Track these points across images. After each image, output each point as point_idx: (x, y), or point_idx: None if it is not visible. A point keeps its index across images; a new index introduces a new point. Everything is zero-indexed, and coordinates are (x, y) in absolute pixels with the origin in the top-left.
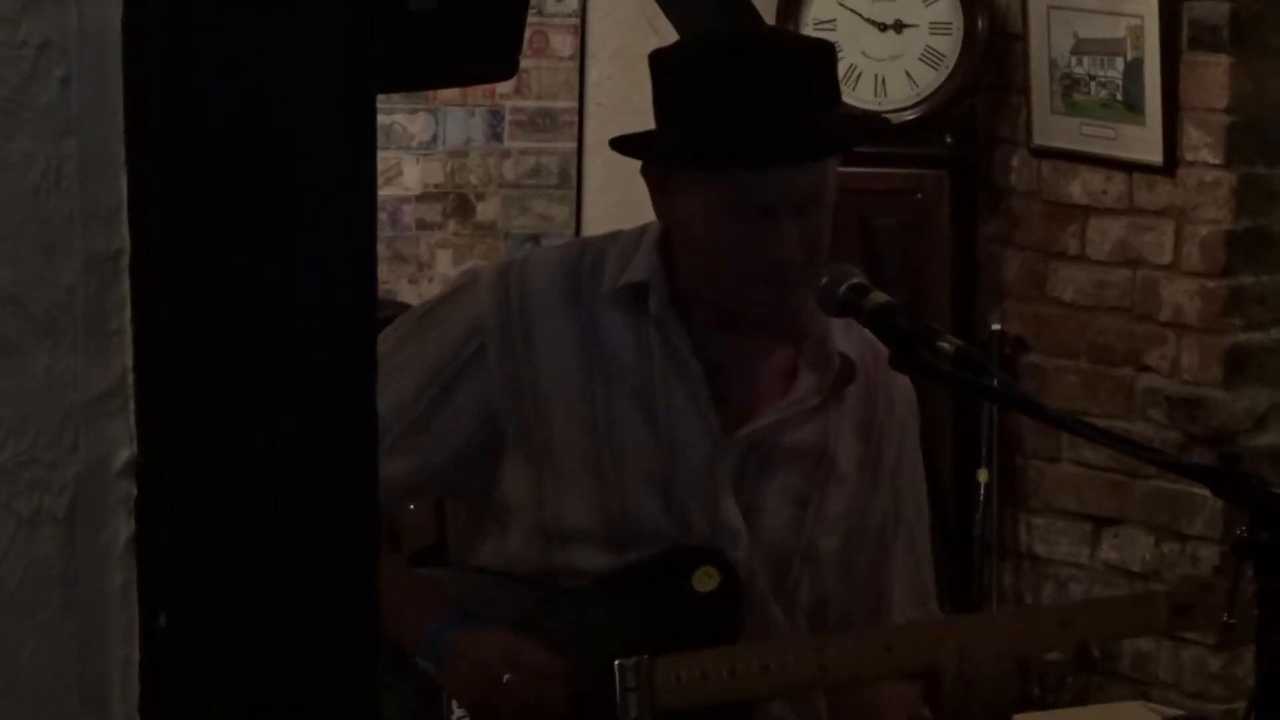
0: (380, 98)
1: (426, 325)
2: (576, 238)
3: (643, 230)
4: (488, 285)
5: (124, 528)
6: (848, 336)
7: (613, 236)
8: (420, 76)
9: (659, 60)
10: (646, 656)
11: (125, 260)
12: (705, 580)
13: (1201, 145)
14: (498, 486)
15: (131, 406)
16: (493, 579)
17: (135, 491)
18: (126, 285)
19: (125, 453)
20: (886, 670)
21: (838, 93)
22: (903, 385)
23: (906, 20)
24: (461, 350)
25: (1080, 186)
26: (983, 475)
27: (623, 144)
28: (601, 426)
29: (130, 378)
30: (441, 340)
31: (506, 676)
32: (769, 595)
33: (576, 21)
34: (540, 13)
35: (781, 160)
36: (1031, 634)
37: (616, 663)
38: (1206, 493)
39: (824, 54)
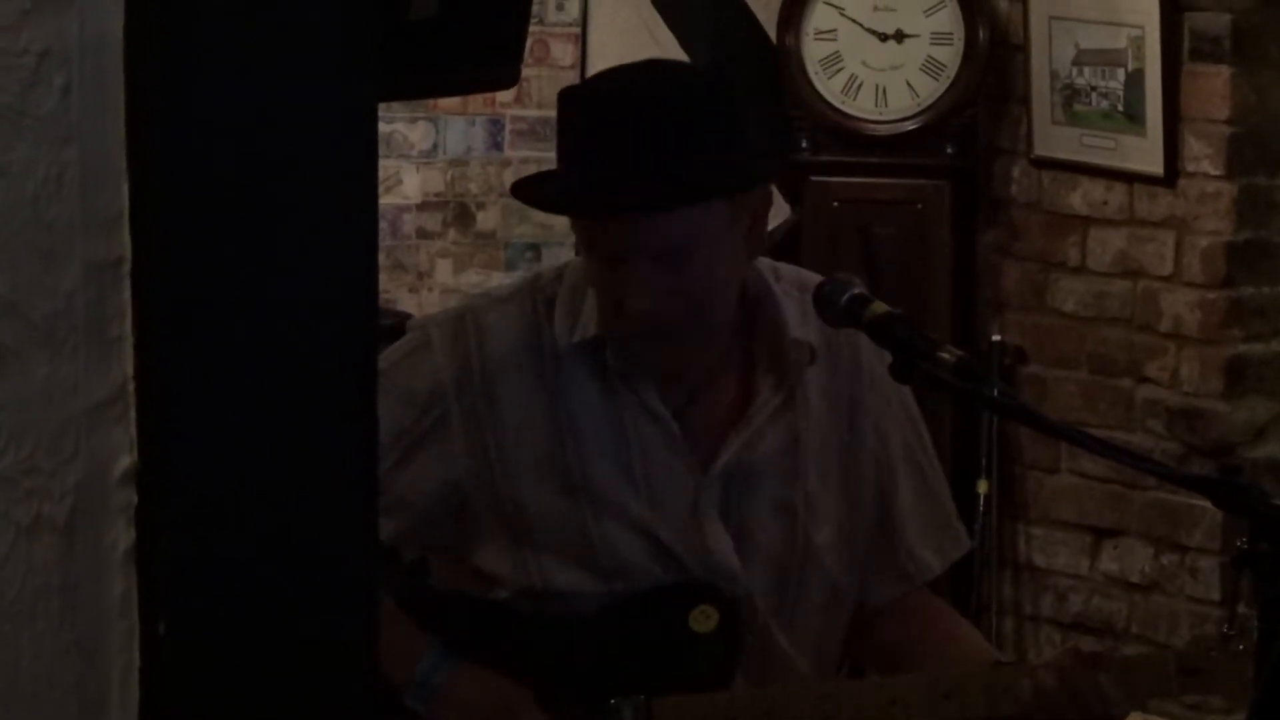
0: (380, 106)
1: (380, 391)
2: (522, 278)
3: (584, 269)
4: (443, 348)
5: (124, 536)
6: (803, 319)
7: (558, 275)
8: (421, 84)
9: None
10: (644, 697)
11: (126, 268)
12: (703, 620)
13: (1202, 156)
14: (472, 554)
15: (132, 414)
16: (484, 607)
17: (135, 499)
18: (127, 293)
19: (125, 460)
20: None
21: (720, 138)
22: (866, 349)
23: (907, 30)
24: (423, 417)
25: (1081, 197)
26: (982, 486)
27: (523, 187)
28: (579, 487)
29: (130, 385)
30: (400, 405)
31: None
32: (769, 614)
33: (577, 30)
34: (541, 21)
35: (600, 209)
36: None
37: (614, 701)
38: (1206, 504)
39: (705, 97)
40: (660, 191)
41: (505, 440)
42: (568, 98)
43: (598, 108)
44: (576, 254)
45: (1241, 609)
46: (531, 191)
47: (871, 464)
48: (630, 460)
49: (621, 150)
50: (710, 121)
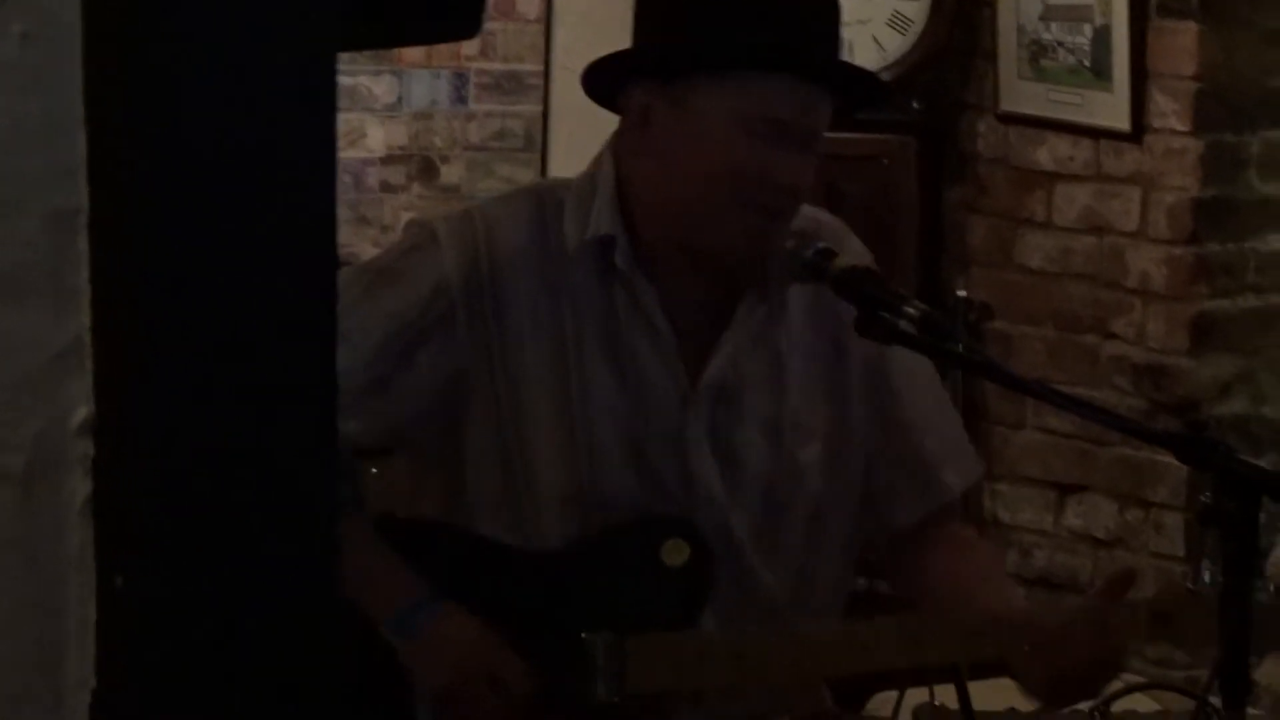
0: (344, 59)
1: (384, 284)
2: (532, 183)
3: (592, 179)
4: (451, 242)
5: (81, 487)
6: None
7: (564, 185)
8: (382, 34)
9: None
10: (617, 635)
11: (84, 218)
12: (675, 553)
13: (1169, 112)
14: (462, 449)
15: (89, 365)
16: (459, 538)
17: (93, 451)
18: (85, 243)
19: (83, 412)
20: (864, 667)
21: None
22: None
23: None
24: (427, 311)
25: (1047, 153)
26: None
27: (611, 64)
28: (575, 390)
29: (88, 336)
30: (402, 300)
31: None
32: (748, 541)
33: None
34: None
35: (814, 72)
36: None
37: (586, 637)
38: (1171, 460)
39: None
40: (857, 69)
41: (509, 337)
42: None
43: None
44: None
45: (1205, 565)
46: (732, 45)
47: (864, 382)
48: (624, 377)
49: (825, 22)
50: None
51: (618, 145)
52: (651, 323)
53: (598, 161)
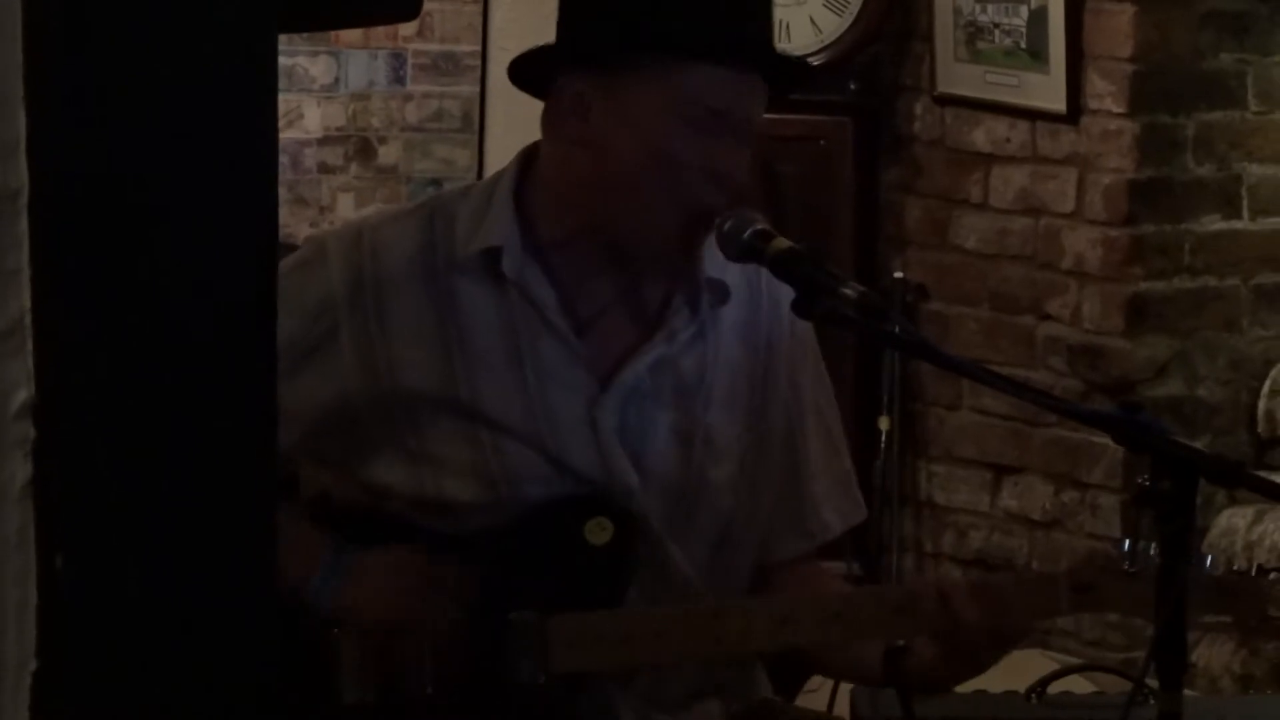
0: (282, 40)
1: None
2: (427, 197)
3: (493, 184)
4: (338, 258)
5: (21, 470)
6: (719, 260)
7: (463, 193)
8: (322, 16)
9: None
10: (538, 615)
11: (24, 199)
12: (598, 532)
13: (1105, 94)
14: (364, 466)
15: (30, 347)
16: (381, 525)
17: (33, 433)
18: (25, 224)
19: (23, 394)
20: (780, 643)
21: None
22: (787, 295)
23: None
24: (313, 328)
25: (984, 134)
26: (883, 423)
27: (536, 56)
28: (468, 400)
29: (28, 318)
30: (290, 316)
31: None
32: (665, 534)
33: None
34: None
35: (749, 60)
36: (930, 615)
37: (509, 617)
38: (1107, 441)
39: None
40: (789, 56)
41: (395, 353)
42: None
43: None
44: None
45: (1141, 545)
46: (670, 35)
47: (782, 410)
48: (524, 373)
49: (758, 9)
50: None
51: (544, 136)
52: (549, 323)
53: (499, 173)
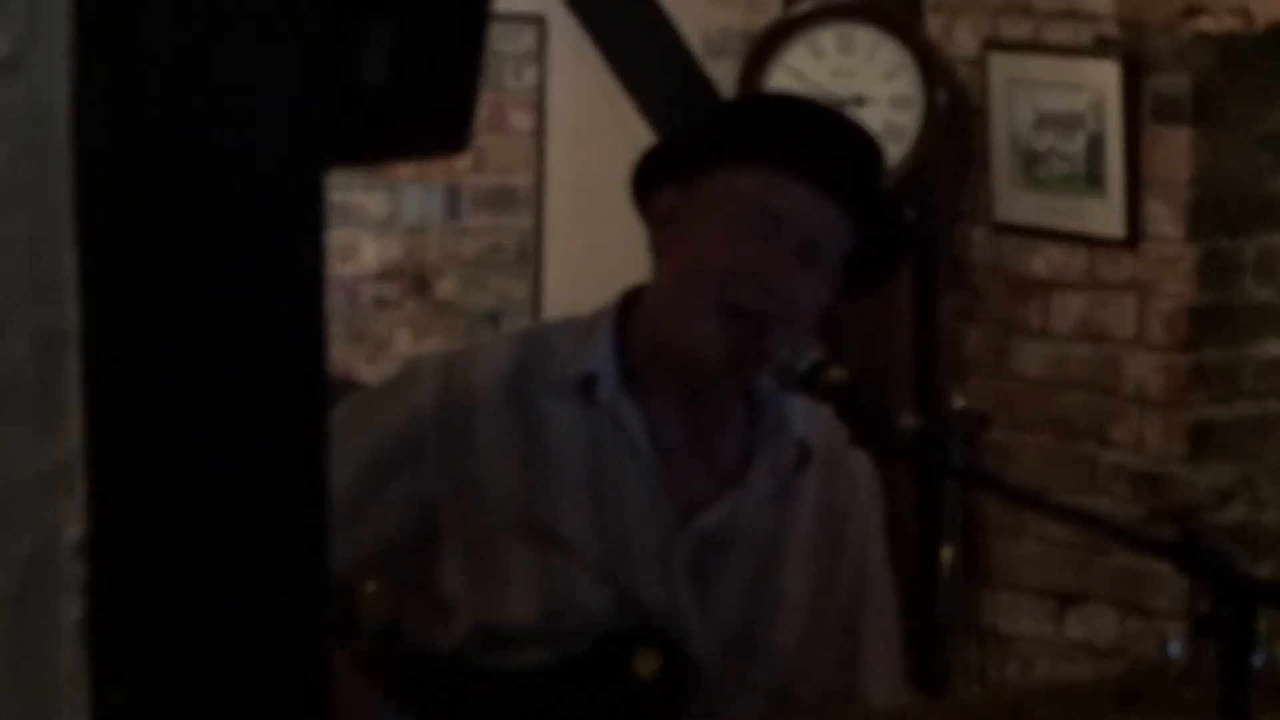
0: (337, 175)
1: (366, 414)
2: (526, 326)
3: (595, 317)
4: (431, 378)
5: (74, 608)
6: (808, 418)
7: (566, 324)
8: (371, 150)
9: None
10: None
11: (75, 336)
12: (646, 664)
13: (1164, 219)
14: (436, 582)
15: (81, 485)
16: (434, 663)
17: (86, 571)
18: (76, 362)
19: (75, 531)
20: None
21: (876, 180)
22: (865, 465)
23: (867, 94)
24: (400, 443)
25: (1042, 261)
26: (946, 552)
27: (647, 162)
28: (544, 526)
29: (80, 456)
30: (380, 431)
31: None
32: (716, 689)
33: (534, 98)
34: (499, 89)
35: (821, 174)
36: None
37: None
38: (1171, 568)
39: (876, 143)
40: (875, 192)
41: (478, 473)
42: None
43: (812, 105)
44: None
45: (1173, 641)
46: (742, 142)
47: (846, 589)
48: (603, 502)
49: (842, 139)
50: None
51: (652, 252)
52: (636, 450)
53: (603, 307)
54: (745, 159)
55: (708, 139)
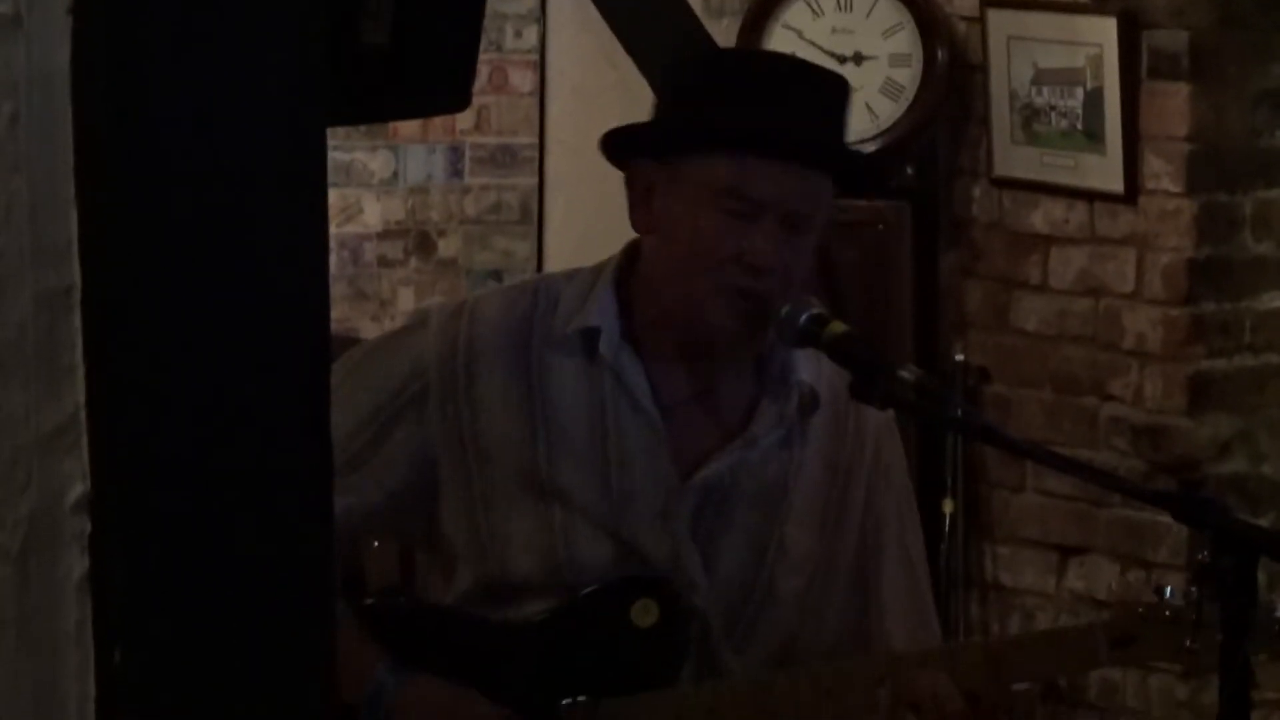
0: (340, 135)
1: (370, 363)
2: (534, 276)
3: (599, 269)
4: (437, 328)
5: (78, 564)
6: (813, 365)
7: (569, 276)
8: (371, 109)
9: (675, 63)
10: (590, 698)
11: (76, 296)
12: (644, 614)
13: (1162, 174)
14: (438, 534)
15: (84, 442)
16: (437, 615)
17: (89, 528)
18: (78, 321)
19: (79, 488)
20: (828, 712)
21: (844, 125)
22: (873, 412)
23: (866, 52)
24: (402, 392)
25: (1042, 216)
26: (947, 506)
27: (616, 139)
28: (546, 479)
29: (82, 414)
30: (384, 381)
31: None
32: (722, 640)
33: (536, 57)
34: (500, 49)
35: (792, 152)
36: (967, 671)
37: (563, 703)
38: (1171, 520)
39: (843, 85)
40: (843, 152)
41: (480, 423)
42: (727, 52)
43: (773, 66)
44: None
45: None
46: (698, 123)
47: (857, 536)
48: (606, 457)
49: (814, 103)
50: (846, 112)
51: (632, 222)
52: (638, 406)
53: (606, 260)
54: (720, 149)
55: (680, 128)
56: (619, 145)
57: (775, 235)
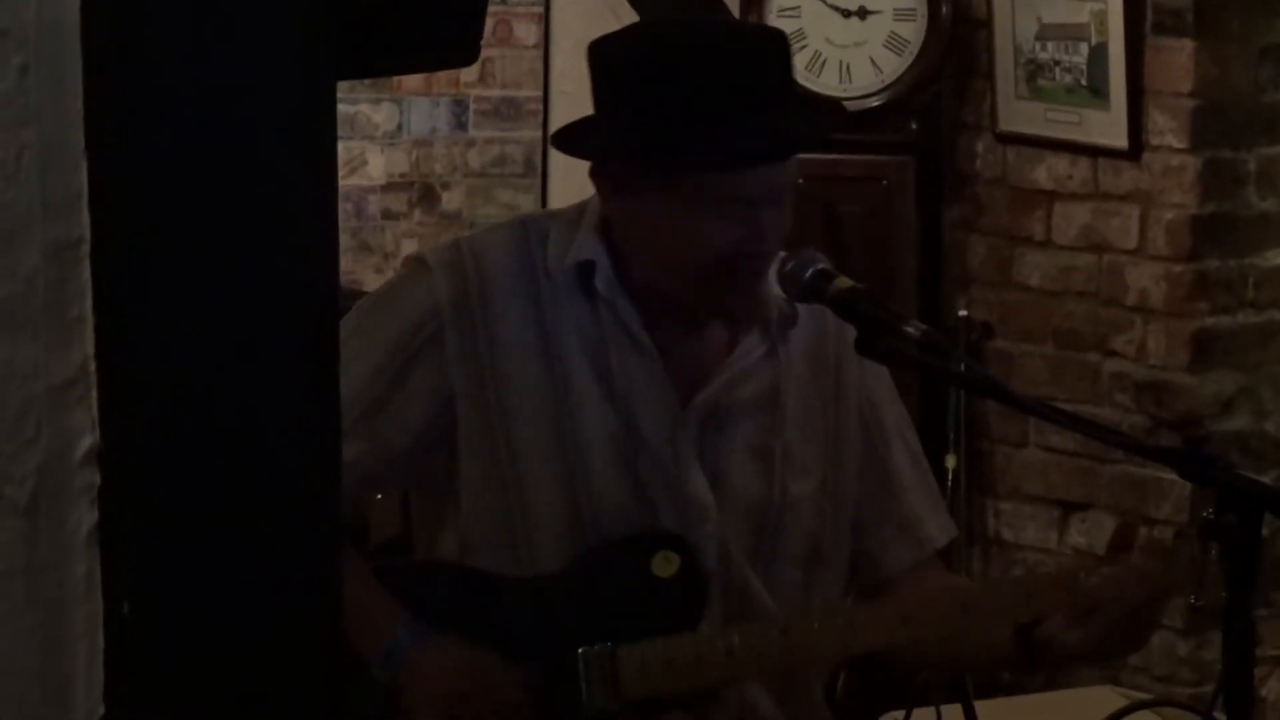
0: (344, 87)
1: (379, 311)
2: (520, 215)
3: (581, 209)
4: (441, 267)
5: (87, 517)
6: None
7: (551, 215)
8: (379, 62)
9: (605, 50)
10: (609, 645)
11: (85, 249)
12: (664, 565)
13: (1166, 130)
14: (457, 475)
15: (93, 394)
16: (452, 571)
17: (98, 480)
18: (87, 274)
19: (87, 441)
20: (847, 649)
21: (794, 82)
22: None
23: (870, 6)
24: (418, 333)
25: (1045, 172)
26: (950, 461)
27: (568, 141)
28: (564, 410)
29: (91, 366)
30: (396, 324)
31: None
32: (745, 562)
33: (540, 10)
34: (504, 2)
35: (762, 160)
36: (979, 613)
37: (580, 651)
38: (1174, 476)
39: (783, 43)
40: (804, 133)
41: (498, 356)
42: (662, 41)
43: (723, 52)
44: None
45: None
46: (662, 146)
47: (858, 426)
48: (612, 387)
49: (765, 91)
50: (792, 65)
51: (601, 195)
52: (636, 341)
53: (587, 200)
54: (713, 166)
55: (664, 146)
56: (578, 145)
57: (762, 215)
